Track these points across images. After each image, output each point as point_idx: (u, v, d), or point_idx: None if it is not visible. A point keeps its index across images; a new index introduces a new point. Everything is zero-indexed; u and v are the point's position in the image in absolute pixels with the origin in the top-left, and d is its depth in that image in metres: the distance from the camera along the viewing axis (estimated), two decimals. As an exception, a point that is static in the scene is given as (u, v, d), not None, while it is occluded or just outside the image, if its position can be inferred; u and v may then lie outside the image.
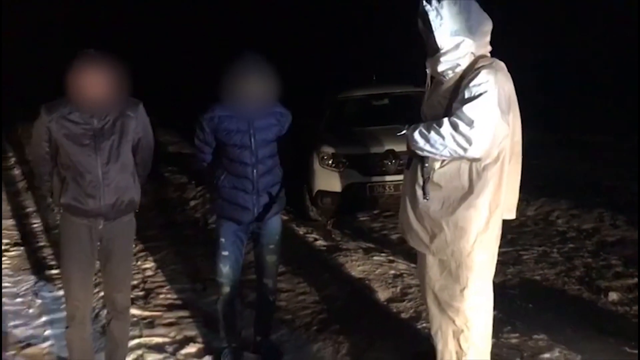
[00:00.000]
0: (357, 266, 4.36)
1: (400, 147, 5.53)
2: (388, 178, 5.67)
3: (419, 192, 2.49)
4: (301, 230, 5.39)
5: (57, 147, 2.67)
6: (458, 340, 2.53)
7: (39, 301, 4.17)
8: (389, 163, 5.60)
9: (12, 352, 3.43)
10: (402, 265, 4.35)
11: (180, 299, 4.03)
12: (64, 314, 3.84)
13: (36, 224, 6.29)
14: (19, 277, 4.67)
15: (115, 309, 2.88)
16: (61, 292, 4.23)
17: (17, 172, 10.05)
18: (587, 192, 6.20)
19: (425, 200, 2.44)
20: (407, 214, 2.58)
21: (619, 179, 6.63)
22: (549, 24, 8.88)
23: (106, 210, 2.70)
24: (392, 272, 4.21)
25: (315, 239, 5.16)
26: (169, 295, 4.08)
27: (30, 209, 6.98)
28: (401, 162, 5.58)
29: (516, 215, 2.71)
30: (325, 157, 5.81)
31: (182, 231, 5.66)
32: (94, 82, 2.57)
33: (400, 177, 5.48)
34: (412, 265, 4.36)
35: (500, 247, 3.23)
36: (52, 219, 6.34)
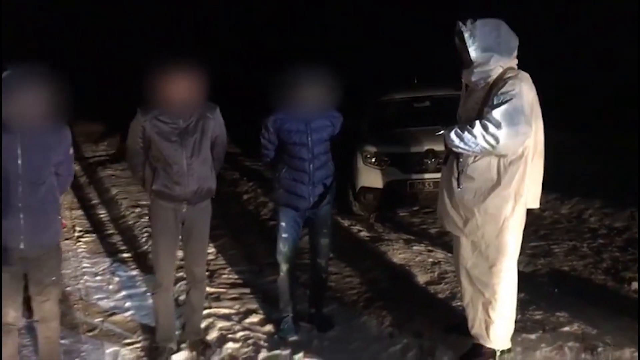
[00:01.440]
0: (398, 254, 4.85)
1: (440, 147, 5.99)
2: (428, 176, 6.08)
3: (455, 183, 2.96)
4: (345, 223, 5.89)
5: (149, 142, 3.24)
6: (487, 311, 3.00)
7: (116, 279, 4.78)
8: (429, 162, 6.01)
9: (100, 319, 4.03)
10: (440, 255, 4.81)
11: (240, 279, 4.59)
12: (140, 289, 4.50)
13: (102, 214, 6.99)
14: (96, 260, 5.31)
15: (194, 279, 3.45)
16: (135, 272, 4.89)
17: (77, 167, 10.87)
18: (619, 192, 6.47)
19: (459, 190, 2.92)
20: (444, 202, 3.07)
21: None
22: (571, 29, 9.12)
23: (189, 196, 3.27)
24: (431, 260, 4.68)
25: (359, 230, 5.66)
26: (230, 276, 4.65)
27: (95, 201, 7.71)
28: (440, 160, 6.01)
29: (540, 205, 3.13)
30: (369, 156, 6.26)
31: (238, 221, 6.25)
32: (180, 90, 3.12)
33: (439, 174, 5.97)
34: (449, 254, 4.82)
35: (532, 241, 3.66)
36: (117, 210, 7.04)
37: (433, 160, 6.05)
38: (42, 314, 2.98)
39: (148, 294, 4.43)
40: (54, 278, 2.96)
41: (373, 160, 6.25)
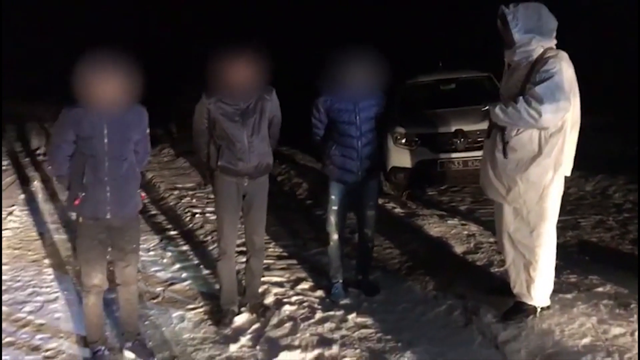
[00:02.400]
0: (433, 228, 5.15)
1: (468, 127, 6.30)
2: (456, 155, 6.35)
3: (498, 155, 3.25)
4: (379, 201, 6.17)
5: (214, 122, 3.55)
6: (528, 271, 3.30)
7: (168, 254, 5.12)
8: (458, 141, 6.27)
9: (161, 289, 4.37)
10: (473, 228, 5.10)
11: (286, 252, 4.92)
12: (193, 262, 4.84)
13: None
14: (145, 237, 5.63)
15: (254, 248, 3.78)
16: (185, 248, 5.24)
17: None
18: (644, 168, 6.70)
19: (504, 160, 3.20)
20: (488, 172, 3.35)
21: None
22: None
23: (251, 171, 3.58)
24: (465, 232, 4.97)
25: (393, 207, 5.96)
26: (276, 249, 4.97)
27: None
28: (469, 140, 6.29)
29: (571, 174, 3.39)
30: (399, 137, 6.53)
31: (275, 200, 6.54)
32: (241, 75, 3.42)
33: (468, 154, 6.25)
34: (482, 227, 5.11)
35: (560, 215, 3.92)
36: (156, 193, 7.39)
37: (462, 140, 6.31)
38: (123, 278, 3.32)
39: (201, 266, 4.80)
40: (134, 245, 3.30)
41: (403, 141, 6.52)
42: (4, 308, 4.03)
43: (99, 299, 3.26)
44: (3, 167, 9.82)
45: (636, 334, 3.08)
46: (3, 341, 3.56)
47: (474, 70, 7.68)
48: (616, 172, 6.75)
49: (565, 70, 3.07)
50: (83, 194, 3.06)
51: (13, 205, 6.96)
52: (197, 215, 6.17)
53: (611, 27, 9.29)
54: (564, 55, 3.13)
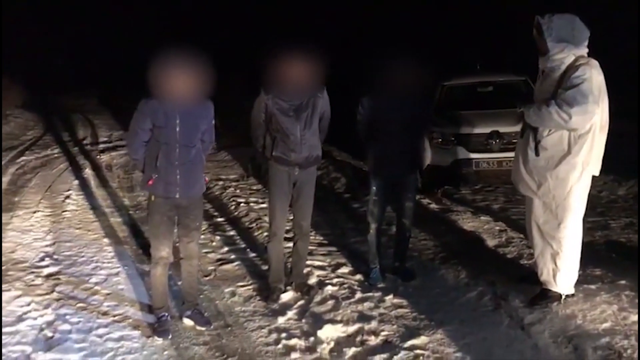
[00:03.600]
0: (467, 223, 5.48)
1: (504, 128, 6.60)
2: (491, 155, 6.65)
3: (530, 153, 3.58)
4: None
5: (270, 116, 3.96)
6: (554, 261, 3.62)
7: (217, 237, 5.56)
8: (493, 142, 6.57)
9: (212, 268, 4.81)
10: (506, 224, 5.41)
11: (326, 240, 5.31)
12: (240, 246, 5.27)
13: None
14: (194, 222, 6.11)
15: (301, 232, 4.18)
16: (232, 233, 5.67)
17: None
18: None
19: (536, 158, 3.53)
20: (520, 169, 3.69)
21: None
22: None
23: (302, 161, 3.99)
24: (497, 227, 5.30)
25: (429, 203, 6.31)
26: (317, 237, 5.36)
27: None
28: (504, 141, 6.59)
29: (604, 178, 3.70)
30: (435, 136, 6.85)
31: (316, 193, 6.93)
32: (297, 75, 3.81)
33: (503, 154, 6.55)
34: (514, 224, 5.42)
35: (590, 216, 4.21)
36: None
37: (497, 140, 6.61)
38: (187, 253, 3.76)
39: (248, 249, 5.23)
40: (197, 223, 3.74)
41: (440, 140, 6.83)
42: (72, 279, 4.53)
43: (165, 270, 3.70)
44: (55, 155, 10.48)
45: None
46: (76, 306, 4.04)
47: (510, 74, 7.95)
48: (649, 177, 6.93)
49: (595, 77, 3.39)
50: (156, 175, 3.51)
51: (69, 190, 7.52)
52: (241, 205, 6.62)
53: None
54: (594, 63, 3.45)
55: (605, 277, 4.04)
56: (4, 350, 3.41)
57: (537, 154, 3.53)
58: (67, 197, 7.14)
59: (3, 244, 5.30)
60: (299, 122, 3.93)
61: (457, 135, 6.81)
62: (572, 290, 3.70)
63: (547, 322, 3.50)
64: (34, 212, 6.42)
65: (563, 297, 3.67)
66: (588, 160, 3.50)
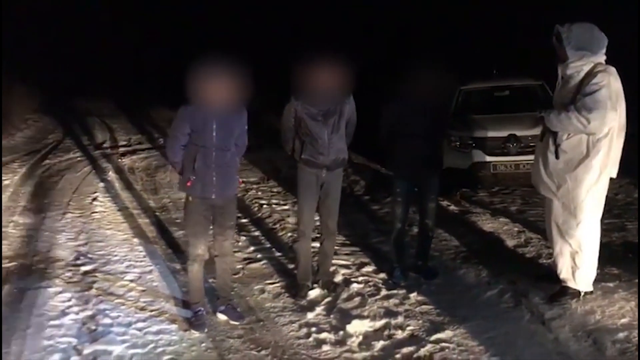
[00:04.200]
0: (486, 224, 5.67)
1: (521, 132, 6.78)
2: (509, 158, 6.84)
3: (550, 156, 3.76)
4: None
5: (299, 121, 4.18)
6: (573, 259, 3.81)
7: (243, 238, 5.78)
8: (511, 145, 6.76)
9: (240, 267, 5.02)
10: (524, 225, 5.58)
11: (349, 240, 5.51)
12: (265, 245, 5.49)
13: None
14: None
15: (328, 231, 4.39)
16: (257, 233, 5.88)
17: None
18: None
19: (556, 161, 3.72)
20: (540, 171, 3.88)
21: None
22: None
23: (329, 163, 4.20)
24: (516, 228, 5.48)
25: (448, 205, 6.49)
26: (340, 238, 5.53)
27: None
28: (521, 144, 6.77)
29: (620, 181, 3.87)
30: (454, 139, 7.05)
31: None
32: (325, 82, 4.02)
33: (520, 157, 6.73)
34: (532, 226, 5.60)
35: (606, 218, 4.36)
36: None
37: (514, 144, 6.79)
38: (222, 250, 3.98)
39: (273, 249, 5.45)
40: (232, 222, 3.97)
41: (458, 143, 7.03)
42: (108, 276, 4.77)
43: (201, 266, 3.93)
44: (77, 158, 10.77)
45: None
46: (114, 302, 4.27)
47: (527, 78, 8.13)
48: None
49: (612, 84, 3.57)
50: (194, 177, 3.74)
51: (95, 192, 7.79)
52: (264, 206, 6.84)
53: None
54: (612, 70, 3.63)
55: (623, 275, 4.21)
56: (52, 342, 3.65)
57: (557, 157, 3.72)
58: (94, 199, 7.39)
59: (38, 244, 5.57)
60: (327, 127, 4.14)
61: (475, 138, 7.00)
62: (590, 288, 3.88)
63: (567, 318, 3.68)
64: (64, 213, 6.69)
65: (582, 294, 3.85)
66: (606, 162, 3.68)
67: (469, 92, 7.93)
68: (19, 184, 8.17)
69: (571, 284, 3.85)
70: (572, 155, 3.70)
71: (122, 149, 12.15)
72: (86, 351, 3.54)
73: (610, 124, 3.60)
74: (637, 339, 3.35)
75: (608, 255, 4.59)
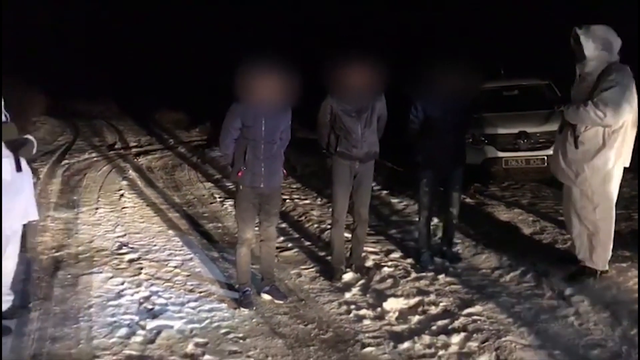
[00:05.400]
0: (502, 214, 6.07)
1: (531, 129, 7.19)
2: (520, 154, 7.24)
3: (569, 147, 4.16)
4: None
5: (335, 116, 4.56)
6: (590, 241, 4.20)
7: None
8: (522, 142, 7.17)
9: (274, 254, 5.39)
10: (538, 214, 5.99)
11: (374, 231, 5.86)
12: (294, 236, 5.87)
13: (230, 185, 8.42)
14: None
15: (360, 219, 4.78)
16: (284, 225, 6.24)
17: (183, 150, 12.47)
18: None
19: (575, 150, 4.11)
20: (559, 161, 4.27)
21: None
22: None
23: (362, 156, 4.58)
24: (531, 218, 5.88)
25: (463, 198, 6.86)
26: (373, 223, 5.91)
27: (217, 176, 9.20)
28: (531, 141, 7.18)
29: (630, 165, 4.26)
30: (467, 136, 7.41)
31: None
32: (358, 82, 4.40)
33: (530, 153, 7.14)
34: (545, 216, 5.99)
35: (616, 210, 4.74)
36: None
37: (525, 140, 7.20)
38: (267, 235, 4.36)
39: (302, 238, 5.82)
40: (276, 210, 4.35)
41: (471, 140, 7.41)
42: (153, 263, 5.13)
43: (249, 250, 4.30)
44: (94, 159, 11.13)
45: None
46: (163, 285, 4.64)
47: (534, 78, 8.55)
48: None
49: (626, 81, 3.98)
50: (244, 168, 4.11)
51: (120, 190, 8.17)
52: (287, 201, 7.21)
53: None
54: (626, 68, 4.03)
55: (634, 257, 4.60)
56: (115, 318, 4.01)
57: (575, 147, 4.12)
58: (122, 195, 7.77)
59: (79, 236, 5.94)
60: (360, 122, 4.53)
61: (487, 135, 7.40)
62: (606, 267, 4.27)
63: (586, 293, 4.07)
64: (96, 208, 7.05)
65: (599, 272, 4.24)
66: (620, 153, 4.08)
67: (480, 91, 8.30)
68: (45, 182, 8.53)
69: (589, 263, 4.25)
70: (590, 146, 4.10)
71: (134, 150, 12.53)
72: (149, 326, 3.90)
73: (624, 117, 4.00)
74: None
75: (619, 241, 4.98)
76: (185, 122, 17.19)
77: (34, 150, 3.89)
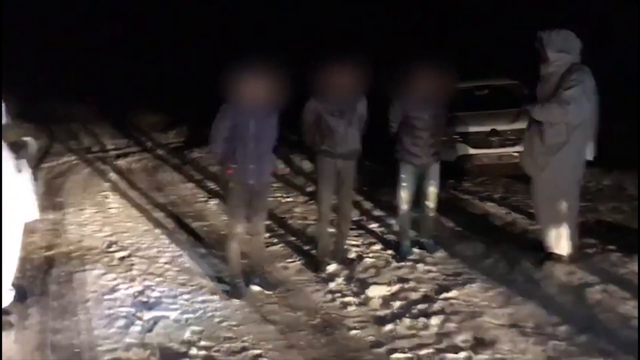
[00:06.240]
0: (475, 207, 6.44)
1: (502, 127, 7.59)
2: (491, 151, 7.64)
3: (536, 142, 4.52)
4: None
5: (319, 117, 4.85)
6: (557, 229, 4.57)
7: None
8: (493, 139, 7.56)
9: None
10: (510, 207, 6.37)
11: (355, 225, 6.15)
12: (279, 232, 6.12)
13: (213, 186, 8.65)
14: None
15: (344, 213, 5.08)
16: (268, 222, 6.49)
17: (161, 152, 12.60)
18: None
19: (541, 145, 4.47)
20: (528, 155, 4.64)
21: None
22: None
23: (345, 154, 4.88)
24: (503, 210, 6.27)
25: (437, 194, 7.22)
26: (355, 217, 6.20)
27: (199, 177, 9.41)
28: (502, 138, 7.58)
29: (593, 157, 4.63)
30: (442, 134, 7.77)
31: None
32: (340, 84, 4.70)
33: (501, 150, 7.53)
34: (516, 209, 6.37)
35: (581, 202, 5.13)
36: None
37: (496, 137, 7.60)
38: (256, 230, 4.62)
39: (287, 234, 6.09)
40: (265, 205, 4.63)
41: (444, 138, 7.75)
42: (144, 260, 5.34)
43: (240, 243, 4.56)
44: (74, 162, 11.22)
45: None
46: (155, 280, 4.86)
47: (504, 78, 8.97)
48: (631, 169, 7.93)
49: (587, 80, 4.35)
50: (235, 165, 4.37)
51: (104, 191, 8.34)
52: (270, 200, 7.45)
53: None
54: (586, 69, 4.41)
55: (598, 245, 4.99)
56: (112, 311, 4.23)
57: (542, 142, 4.48)
58: (106, 197, 7.94)
59: (69, 236, 6.11)
60: (343, 121, 4.82)
61: (460, 133, 7.77)
62: (572, 253, 4.64)
63: (554, 277, 4.43)
64: (82, 209, 7.22)
65: (565, 258, 4.60)
66: (582, 147, 4.45)
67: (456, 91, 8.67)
68: (28, 185, 8.61)
69: (556, 250, 4.61)
70: (554, 141, 4.46)
71: (113, 152, 12.62)
72: (146, 317, 4.13)
73: (585, 113, 4.37)
74: (611, 289, 4.12)
75: (584, 230, 5.37)
76: (161, 125, 17.26)
77: (34, 152, 4.09)
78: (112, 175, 9.62)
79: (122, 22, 24.32)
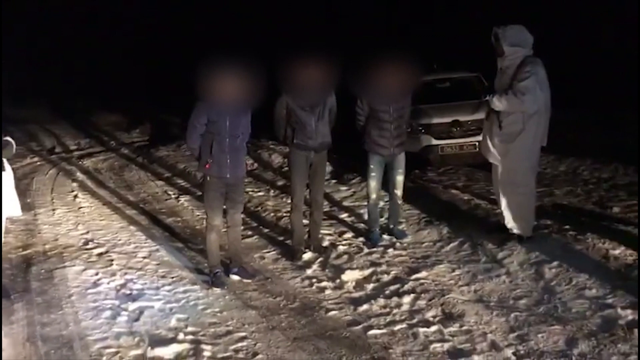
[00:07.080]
0: (440, 195, 6.83)
1: (463, 118, 7.99)
2: (453, 141, 8.04)
3: (495, 130, 4.88)
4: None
5: (290, 111, 5.12)
6: (516, 211, 4.95)
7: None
8: (455, 130, 7.96)
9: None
10: (472, 194, 6.76)
11: (326, 216, 6.44)
12: (252, 225, 6.37)
13: (182, 182, 8.83)
14: (202, 210, 7.14)
15: (316, 204, 5.37)
16: (242, 215, 6.73)
17: (126, 151, 12.66)
18: (607, 152, 8.37)
19: (500, 133, 4.84)
20: (487, 143, 5.00)
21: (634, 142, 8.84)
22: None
23: (316, 146, 5.16)
24: (466, 197, 6.65)
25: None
26: (326, 208, 6.45)
27: (168, 174, 9.56)
28: (464, 128, 7.98)
29: (546, 157, 5.04)
30: (406, 126, 8.13)
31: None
32: (311, 79, 4.97)
33: (463, 140, 7.93)
34: (478, 195, 6.77)
35: (538, 188, 5.52)
36: (195, 179, 8.85)
37: (458, 128, 8.00)
38: (233, 222, 4.87)
39: (261, 226, 6.35)
40: (241, 198, 4.88)
41: (409, 130, 8.10)
42: (122, 255, 5.52)
43: (218, 235, 4.80)
44: (38, 163, 11.20)
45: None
46: (136, 274, 5.05)
47: (465, 71, 9.38)
48: (585, 155, 8.45)
49: (539, 71, 4.74)
50: (211, 160, 4.60)
51: (73, 191, 8.43)
52: (241, 194, 7.69)
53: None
54: (538, 61, 4.79)
55: (554, 225, 5.39)
56: (97, 304, 4.42)
57: (500, 130, 4.85)
58: (75, 196, 8.04)
59: (44, 235, 6.23)
60: (314, 116, 5.10)
61: (423, 125, 8.14)
62: (530, 233, 5.03)
63: (515, 256, 4.81)
64: (53, 209, 7.32)
65: (525, 238, 4.99)
66: (538, 134, 4.84)
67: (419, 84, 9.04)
68: (-6, 187, 8.61)
69: (516, 231, 5.00)
70: (512, 129, 4.83)
71: (76, 153, 12.63)
72: (131, 308, 4.33)
73: (539, 103, 4.76)
74: (566, 266, 4.52)
75: (542, 213, 5.78)
76: (123, 124, 17.23)
77: (14, 151, 4.25)
78: (79, 175, 9.70)
79: (75, 21, 23.98)
